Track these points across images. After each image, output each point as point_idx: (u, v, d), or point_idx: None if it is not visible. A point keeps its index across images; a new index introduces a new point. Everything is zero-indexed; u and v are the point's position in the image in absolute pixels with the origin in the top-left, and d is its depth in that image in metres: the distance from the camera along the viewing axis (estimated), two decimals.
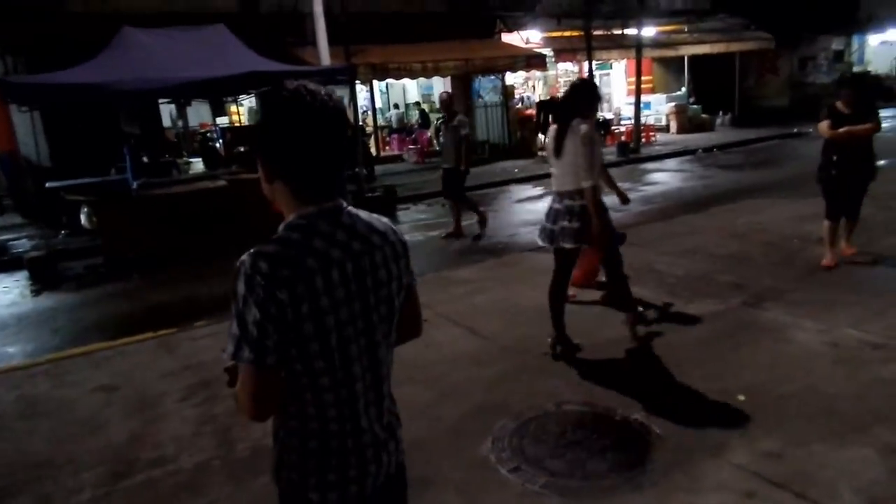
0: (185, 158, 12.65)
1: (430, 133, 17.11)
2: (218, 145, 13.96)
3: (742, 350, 4.07)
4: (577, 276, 4.66)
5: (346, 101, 12.91)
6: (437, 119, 16.73)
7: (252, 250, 1.25)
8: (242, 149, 12.81)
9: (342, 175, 1.38)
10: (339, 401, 1.35)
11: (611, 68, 19.89)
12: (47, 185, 9.76)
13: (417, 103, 18.63)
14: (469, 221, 8.39)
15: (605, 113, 17.75)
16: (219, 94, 11.97)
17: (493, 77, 16.10)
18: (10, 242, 9.09)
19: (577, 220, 3.98)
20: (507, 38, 15.91)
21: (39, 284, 7.38)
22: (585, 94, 4.05)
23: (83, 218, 8.66)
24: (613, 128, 17.42)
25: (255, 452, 3.30)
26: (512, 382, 3.88)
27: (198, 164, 12.60)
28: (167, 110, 14.57)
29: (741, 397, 3.46)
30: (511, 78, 16.55)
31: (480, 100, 16.75)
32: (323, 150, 1.31)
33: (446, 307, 5.14)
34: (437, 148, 16.15)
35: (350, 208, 1.37)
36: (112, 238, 8.04)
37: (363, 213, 1.40)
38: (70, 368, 4.70)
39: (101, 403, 4.06)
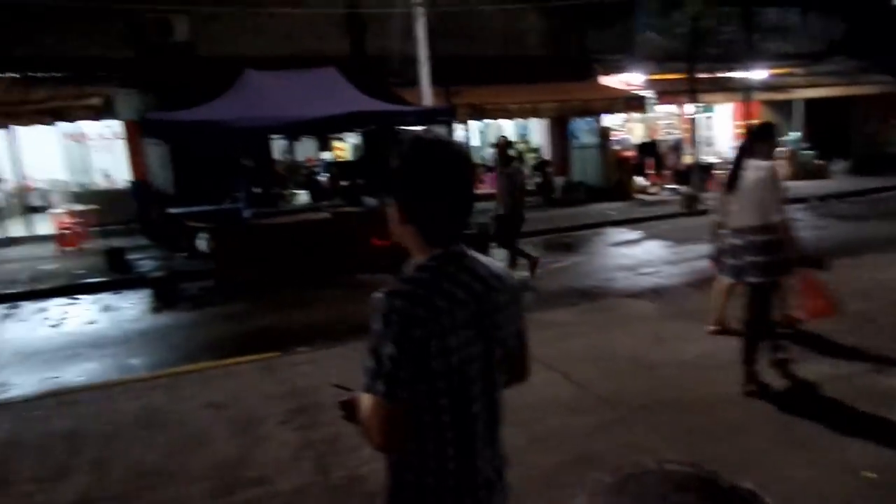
0: (291, 190, 13.43)
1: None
2: (322, 179, 14.71)
3: (865, 420, 3.75)
4: (810, 308, 4.46)
5: None
6: (534, 160, 16.85)
7: (387, 289, 1.34)
8: (345, 183, 13.44)
9: (465, 222, 1.45)
10: (459, 439, 1.38)
11: (713, 111, 19.28)
12: (170, 210, 10.64)
13: (513, 143, 18.83)
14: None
15: (706, 157, 17.17)
16: (327, 131, 12.66)
17: (589, 119, 16.05)
18: (137, 262, 9.93)
19: (762, 254, 4.10)
20: (605, 80, 15.86)
21: (160, 302, 8.01)
22: (764, 135, 4.34)
23: (201, 243, 9.34)
24: (716, 172, 16.78)
25: (350, 480, 3.38)
26: (608, 434, 3.77)
27: (303, 196, 13.33)
28: (277, 144, 15.55)
29: (869, 474, 3.17)
30: (608, 120, 16.42)
31: (576, 141, 16.71)
32: (456, 197, 1.41)
33: (538, 350, 5.02)
34: (531, 188, 16.34)
35: (470, 252, 1.45)
36: (224, 263, 8.62)
37: (481, 257, 1.47)
38: (184, 384, 5.03)
39: (210, 420, 4.31)
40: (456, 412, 1.37)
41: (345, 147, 17.72)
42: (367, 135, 13.42)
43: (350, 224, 8.97)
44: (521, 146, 18.15)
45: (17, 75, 11.24)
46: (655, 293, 6.98)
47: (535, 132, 17.74)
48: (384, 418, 1.32)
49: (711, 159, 17.50)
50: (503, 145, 8.19)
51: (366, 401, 1.41)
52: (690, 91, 14.39)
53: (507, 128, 19.21)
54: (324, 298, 7.66)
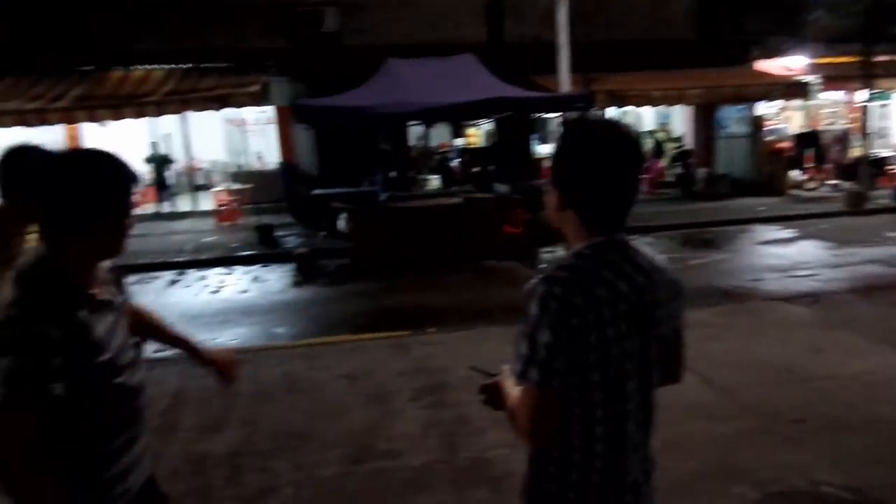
0: (424, 175, 13.77)
1: (663, 163, 16.34)
2: (454, 164, 14.93)
3: None
4: None
5: None
6: (674, 149, 15.96)
7: (544, 275, 1.31)
8: (477, 169, 13.55)
9: (629, 210, 1.37)
10: (610, 437, 1.34)
11: (889, 98, 17.07)
12: (314, 192, 11.33)
13: (653, 132, 17.92)
14: None
15: (878, 150, 15.29)
16: (463, 117, 12.80)
17: (741, 106, 14.85)
18: (283, 238, 10.70)
19: None
20: (762, 64, 14.57)
21: (302, 277, 8.58)
22: None
23: (341, 223, 9.86)
24: (891, 167, 14.90)
25: (476, 463, 3.41)
26: (752, 446, 3.49)
27: (434, 181, 13.62)
28: (413, 130, 16.00)
29: None
30: (762, 108, 15.10)
31: (724, 130, 15.56)
32: (621, 183, 1.34)
33: None
34: (670, 179, 15.47)
35: (632, 242, 1.38)
36: (360, 242, 9.03)
37: (642, 248, 1.40)
38: (321, 354, 5.35)
39: (344, 390, 4.55)
40: (609, 408, 1.32)
41: (477, 134, 17.85)
42: (500, 122, 13.39)
43: (481, 210, 9.03)
44: (660, 135, 17.27)
45: (190, 66, 12.46)
46: (812, 298, 6.34)
47: (678, 120, 16.77)
48: (535, 407, 1.29)
49: (885, 153, 15.57)
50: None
51: (514, 388, 1.40)
52: (865, 76, 12.86)
53: (647, 116, 18.38)
54: (453, 282, 7.79)
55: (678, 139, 16.31)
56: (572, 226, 1.38)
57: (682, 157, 15.20)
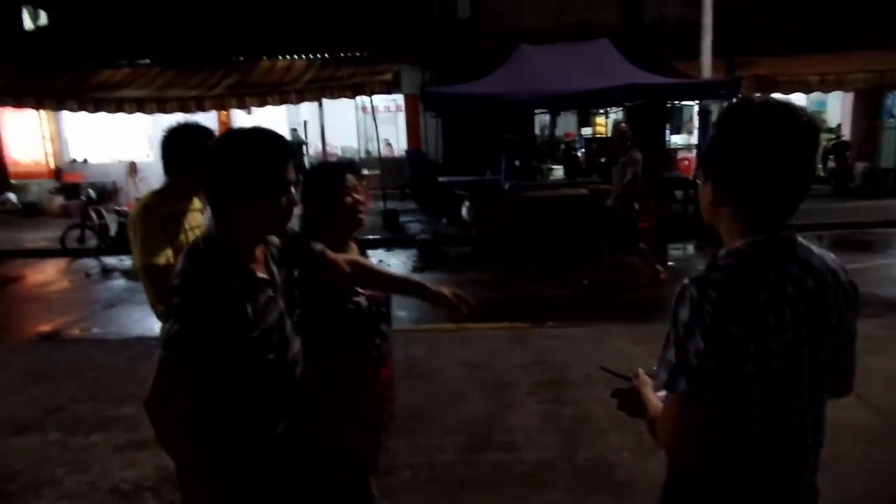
0: (548, 165, 13.52)
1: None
2: (579, 154, 14.52)
3: None
4: None
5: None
6: (828, 140, 14.45)
7: (697, 276, 1.18)
8: (604, 160, 13.08)
9: (800, 202, 1.20)
10: (769, 459, 1.21)
11: None
12: (439, 179, 11.51)
13: None
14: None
15: None
16: (593, 105, 12.43)
17: None
18: (407, 224, 10.99)
19: None
20: None
21: (423, 262, 8.76)
22: None
23: (464, 210, 9.95)
24: None
25: (596, 465, 3.29)
26: None
27: (558, 171, 13.32)
28: (539, 118, 15.76)
29: None
30: None
31: (892, 120, 13.84)
32: (788, 173, 1.17)
33: None
34: (822, 174, 14.02)
35: (802, 240, 1.22)
36: (483, 231, 9.05)
37: (815, 248, 1.24)
38: (442, 340, 5.42)
39: (464, 378, 4.58)
40: (769, 426, 1.19)
41: (605, 123, 17.24)
42: (631, 110, 12.82)
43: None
44: None
45: (328, 55, 13.08)
46: None
47: (834, 109, 15.16)
48: (682, 419, 1.16)
49: None
50: (623, 131, 7.05)
51: (656, 396, 1.32)
52: None
53: (799, 102, 16.79)
54: (576, 275, 7.59)
55: (834, 130, 14.75)
56: (730, 222, 1.22)
57: (837, 149, 13.74)
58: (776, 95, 11.61)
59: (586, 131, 16.63)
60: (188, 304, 1.46)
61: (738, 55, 11.32)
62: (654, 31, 12.36)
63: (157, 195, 2.72)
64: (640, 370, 1.45)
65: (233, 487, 1.58)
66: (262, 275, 1.63)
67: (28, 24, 15.06)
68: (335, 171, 2.18)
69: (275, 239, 1.75)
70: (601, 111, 15.49)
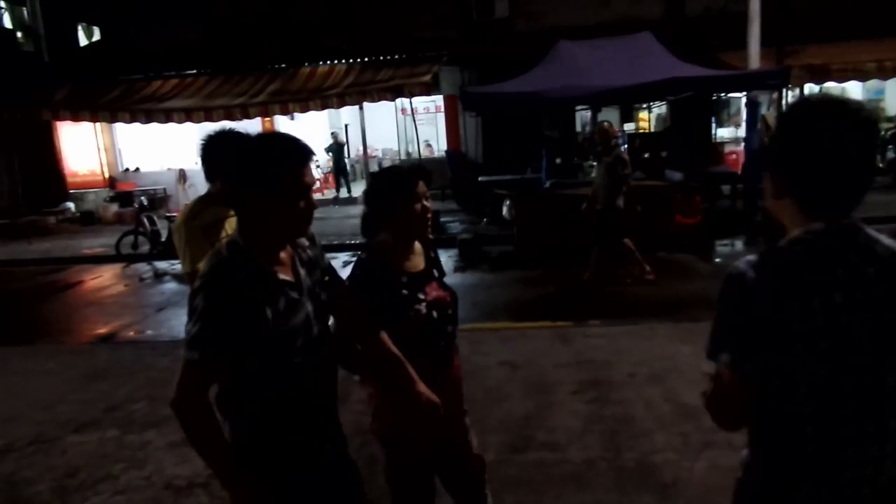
0: (590, 162, 13.34)
1: None
2: (623, 150, 14.28)
3: None
4: None
5: (766, 108, 11.69)
6: (887, 130, 13.81)
7: (744, 258, 1.24)
8: (647, 155, 12.83)
9: (863, 194, 1.24)
10: (818, 441, 1.20)
11: None
12: (479, 179, 11.50)
13: None
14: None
15: None
16: (635, 100, 12.21)
17: None
18: (448, 224, 11.01)
19: None
20: None
21: (465, 262, 8.76)
22: None
23: (505, 210, 9.91)
24: None
25: (641, 466, 3.23)
26: None
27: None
28: (580, 115, 15.57)
29: None
30: None
31: None
32: (844, 166, 1.21)
33: None
34: (881, 165, 13.41)
35: (870, 230, 1.24)
36: (524, 229, 8.99)
37: (885, 239, 1.24)
38: (483, 339, 5.41)
39: (505, 377, 4.56)
40: (819, 406, 1.19)
41: (648, 118, 16.90)
42: (675, 104, 12.53)
43: (652, 199, 8.53)
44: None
45: (368, 59, 13.24)
46: None
47: (894, 96, 14.50)
48: (723, 388, 1.22)
49: None
50: (605, 130, 6.78)
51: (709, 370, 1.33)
52: None
53: (855, 92, 16.13)
54: (619, 273, 7.47)
55: (893, 118, 14.11)
56: (791, 213, 1.26)
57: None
58: (830, 84, 11.19)
59: (629, 127, 16.33)
60: (208, 305, 1.50)
61: (787, 43, 10.93)
62: (698, 23, 12.09)
63: (200, 202, 2.81)
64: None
65: (266, 491, 1.62)
66: (285, 277, 1.65)
67: (83, 40, 15.75)
68: (407, 176, 2.14)
69: (304, 241, 1.77)
70: (644, 106, 15.20)
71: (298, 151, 1.61)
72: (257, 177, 1.56)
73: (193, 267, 2.60)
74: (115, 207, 14.57)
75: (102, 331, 6.83)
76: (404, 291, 2.08)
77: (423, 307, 2.10)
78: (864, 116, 1.20)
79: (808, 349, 1.16)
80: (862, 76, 11.64)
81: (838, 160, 1.19)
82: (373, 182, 2.21)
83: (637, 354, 4.72)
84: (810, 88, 14.31)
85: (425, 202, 2.14)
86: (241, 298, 1.52)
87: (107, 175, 15.76)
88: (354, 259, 2.20)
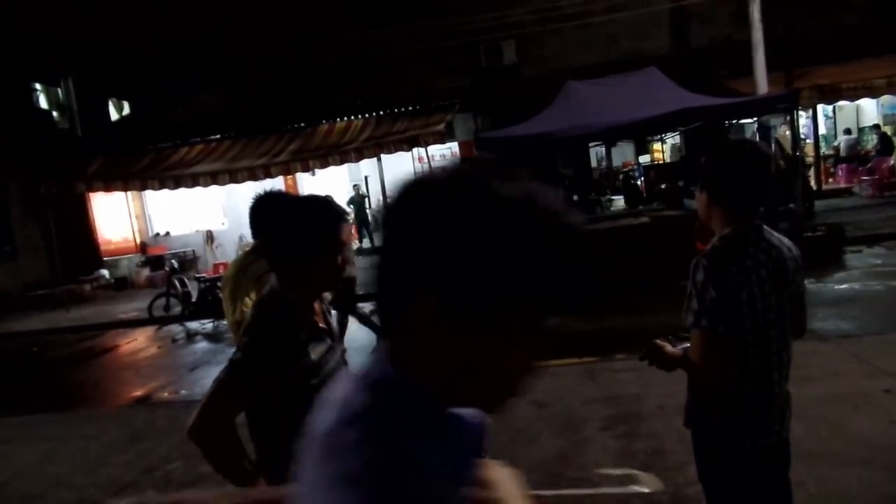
0: (608, 196, 13.43)
1: (892, 161, 14.08)
2: (639, 182, 14.36)
3: None
4: None
5: (779, 130, 11.70)
6: None
7: (706, 252, 1.83)
8: (664, 186, 12.88)
9: (762, 203, 1.94)
10: (759, 369, 1.80)
11: None
12: None
13: (877, 126, 15.59)
14: None
15: None
16: (646, 133, 12.35)
17: None
18: None
19: None
20: None
21: None
22: None
23: None
24: None
25: (675, 499, 3.20)
26: None
27: (619, 202, 13.20)
28: (595, 151, 15.74)
29: None
30: None
31: None
32: (752, 185, 1.85)
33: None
34: None
35: (768, 229, 1.88)
36: None
37: (776, 235, 1.89)
38: None
39: (534, 416, 4.56)
40: (758, 348, 1.79)
41: (663, 149, 17.01)
42: (687, 134, 12.63)
43: (670, 229, 8.54)
44: (886, 129, 14.97)
45: (384, 112, 13.66)
46: None
47: None
48: (707, 346, 1.78)
49: None
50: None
51: (673, 350, 1.97)
52: None
53: (869, 109, 16.07)
54: (643, 305, 7.44)
55: None
56: (719, 218, 1.88)
57: None
58: (842, 103, 11.19)
59: (644, 159, 16.47)
60: (256, 340, 1.61)
61: (795, 66, 11.06)
62: (704, 53, 12.28)
63: (249, 255, 2.95)
64: (655, 340, 2.02)
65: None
66: (322, 325, 1.77)
67: (114, 114, 16.55)
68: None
69: (327, 295, 1.89)
70: (657, 138, 15.33)
71: (333, 214, 1.75)
72: (296, 241, 1.69)
73: (240, 317, 2.72)
74: (146, 272, 15.00)
75: (138, 393, 6.99)
76: None
77: None
78: (763, 153, 1.89)
79: (752, 311, 1.76)
80: (872, 93, 11.63)
81: (749, 182, 1.83)
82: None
83: (665, 386, 4.65)
84: (822, 109, 14.35)
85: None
86: (286, 341, 1.63)
87: (138, 241, 16.29)
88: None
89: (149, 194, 15.44)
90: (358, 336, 7.95)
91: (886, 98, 13.55)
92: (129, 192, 15.03)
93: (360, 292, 7.50)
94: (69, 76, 15.52)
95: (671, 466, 3.51)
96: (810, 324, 2.10)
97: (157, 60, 13.75)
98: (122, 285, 15.16)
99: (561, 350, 6.04)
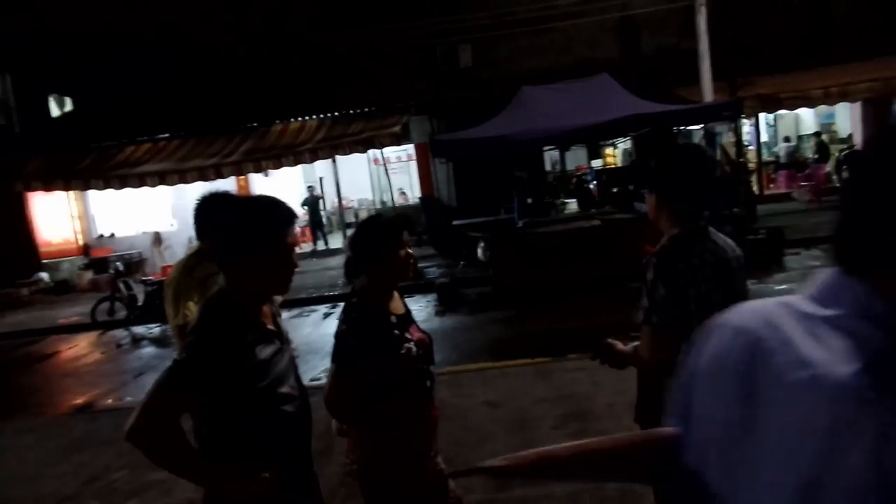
0: (561, 199, 13.64)
1: (828, 168, 14.79)
2: (592, 186, 14.64)
3: None
4: None
5: (725, 137, 12.15)
6: (840, 151, 14.40)
7: (656, 251, 1.92)
8: (615, 189, 13.18)
9: (708, 206, 2.03)
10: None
11: None
12: (453, 223, 11.68)
13: (818, 133, 16.34)
14: None
15: None
16: (598, 138, 12.60)
17: None
18: (425, 269, 11.12)
19: None
20: None
21: (444, 306, 8.83)
22: None
23: (480, 252, 10.06)
24: None
25: (623, 493, 3.28)
26: None
27: (572, 205, 13.43)
28: (549, 155, 15.97)
29: None
30: None
31: None
32: (698, 188, 1.95)
33: None
34: (838, 185, 13.90)
35: (712, 230, 1.97)
36: (500, 270, 9.13)
37: (720, 236, 1.99)
38: (464, 381, 5.45)
39: (488, 417, 4.60)
40: (700, 322, 1.78)
41: (615, 154, 17.39)
42: (638, 139, 12.96)
43: (621, 231, 8.76)
44: (824, 137, 15.70)
45: (339, 114, 13.54)
46: None
47: (844, 119, 15.16)
48: (656, 342, 1.84)
49: None
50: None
51: (624, 347, 2.04)
52: None
53: (808, 117, 16.82)
54: (595, 306, 7.60)
55: (845, 139, 14.71)
56: (666, 220, 1.97)
57: (850, 158, 13.66)
58: (782, 112, 11.66)
59: (597, 163, 16.78)
60: (199, 342, 1.57)
61: (739, 76, 11.48)
62: (653, 61, 12.63)
63: (194, 258, 2.86)
64: (606, 339, 2.10)
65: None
66: (270, 327, 1.75)
67: (55, 111, 15.88)
68: (394, 225, 2.26)
69: (278, 298, 1.86)
70: (609, 143, 15.66)
71: (282, 215, 1.71)
72: (244, 242, 1.66)
73: (183, 321, 2.65)
74: (89, 275, 14.43)
75: (79, 401, 6.72)
76: (396, 331, 2.17)
77: (412, 346, 2.18)
78: (707, 157, 2.03)
79: (699, 307, 1.80)
80: (810, 103, 12.19)
81: (695, 185, 1.94)
82: (360, 229, 2.31)
83: (616, 384, 4.77)
84: (764, 117, 14.95)
85: (409, 249, 2.26)
86: (232, 341, 1.60)
87: (81, 243, 15.66)
88: (340, 308, 2.28)
89: (92, 194, 14.88)
90: (311, 339, 7.85)
91: (823, 108, 14.21)
92: (70, 192, 14.46)
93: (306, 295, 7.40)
94: (6, 72, 14.83)
95: None
96: None
97: (103, 55, 13.26)
98: (64, 289, 14.55)
99: (514, 351, 6.12)
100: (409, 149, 15.45)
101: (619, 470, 1.09)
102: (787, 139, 17.03)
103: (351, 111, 13.44)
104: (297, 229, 1.80)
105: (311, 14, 13.40)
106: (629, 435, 1.14)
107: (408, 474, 2.18)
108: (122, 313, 10.37)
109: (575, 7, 12.46)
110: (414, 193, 16.00)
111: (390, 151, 15.42)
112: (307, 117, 13.75)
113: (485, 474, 1.45)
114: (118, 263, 11.58)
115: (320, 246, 15.65)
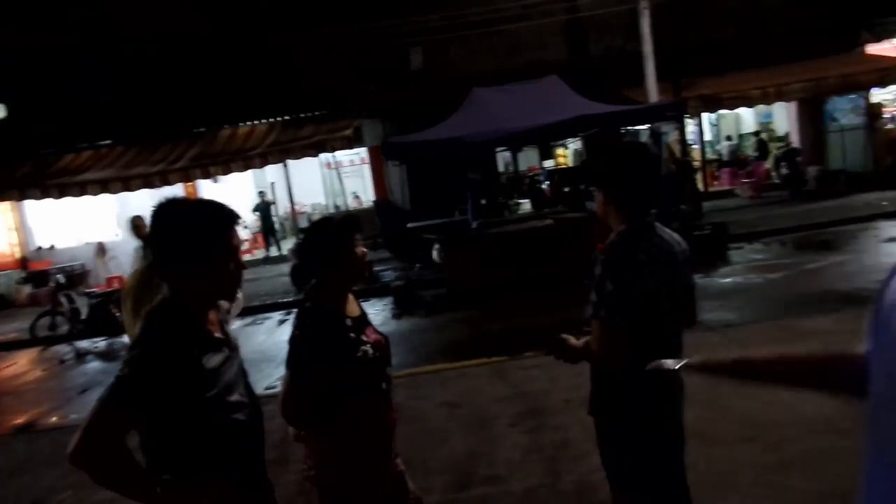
0: (515, 200, 13.79)
1: (768, 165, 15.41)
2: (544, 186, 14.86)
3: None
4: None
5: (670, 136, 12.51)
6: (778, 149, 15.02)
7: (604, 246, 1.97)
8: (567, 189, 13.41)
9: (654, 203, 2.07)
10: (657, 354, 1.79)
11: None
12: (408, 225, 11.66)
13: (757, 132, 16.99)
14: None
15: None
16: (549, 139, 12.79)
17: (853, 96, 13.78)
18: (381, 273, 11.06)
19: None
20: (874, 48, 13.48)
21: (400, 309, 8.80)
22: None
23: (434, 254, 10.07)
24: None
25: (580, 486, 3.34)
26: None
27: (526, 205, 13.60)
28: (502, 156, 16.12)
29: None
30: (879, 95, 13.93)
31: (834, 123, 14.47)
32: (645, 185, 2.01)
33: None
34: (777, 181, 14.52)
35: (659, 226, 2.03)
36: (455, 271, 9.16)
37: (667, 231, 2.05)
38: (422, 383, 5.45)
39: (446, 417, 4.61)
40: (654, 335, 1.92)
41: (566, 154, 17.69)
42: (587, 139, 13.22)
43: (573, 230, 8.91)
44: (763, 135, 16.35)
45: (289, 117, 13.34)
46: None
47: (781, 118, 15.81)
48: (605, 336, 1.88)
49: None
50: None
51: (577, 343, 2.05)
52: None
53: (747, 117, 17.46)
54: (549, 304, 7.70)
55: (783, 138, 15.35)
56: (614, 216, 2.01)
57: (788, 156, 14.28)
58: (723, 112, 12.09)
59: (549, 163, 17.03)
60: (143, 355, 1.52)
61: (682, 77, 11.85)
62: (600, 63, 12.91)
63: (151, 268, 2.78)
64: (560, 334, 2.10)
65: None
66: (218, 335, 1.71)
67: None
68: (345, 224, 2.22)
69: (224, 303, 1.82)
70: (560, 143, 15.93)
71: (222, 218, 1.66)
72: (188, 247, 1.60)
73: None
74: (27, 289, 13.77)
75: (19, 420, 6.41)
76: (352, 334, 2.15)
77: (369, 348, 2.16)
78: (652, 155, 2.13)
79: (647, 301, 1.88)
80: (749, 102, 12.68)
81: (640, 182, 2.00)
82: (308, 234, 2.27)
83: (571, 380, 4.85)
84: (707, 117, 15.47)
85: (362, 249, 2.24)
86: (177, 353, 1.55)
87: (18, 256, 14.95)
88: (295, 313, 2.24)
89: (30, 205, 14.24)
90: (266, 347, 7.71)
91: (762, 107, 14.79)
92: (5, 203, 13.79)
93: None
94: None
95: (576, 457, 3.66)
96: (698, 315, 2.24)
97: (39, 59, 12.71)
98: (0, 304, 13.87)
99: (471, 351, 6.14)
100: (362, 152, 15.34)
101: (811, 378, 1.23)
102: (728, 138, 17.67)
103: (301, 115, 13.27)
104: (248, 234, 1.76)
105: (259, 15, 13.16)
106: (826, 350, 1.21)
107: (366, 478, 2.17)
108: (64, 328, 9.96)
109: (523, 10, 12.63)
110: (368, 197, 15.89)
111: (343, 155, 15.29)
112: (256, 121, 13.50)
113: (685, 370, 1.65)
114: (59, 276, 11.12)
115: (273, 252, 15.36)
